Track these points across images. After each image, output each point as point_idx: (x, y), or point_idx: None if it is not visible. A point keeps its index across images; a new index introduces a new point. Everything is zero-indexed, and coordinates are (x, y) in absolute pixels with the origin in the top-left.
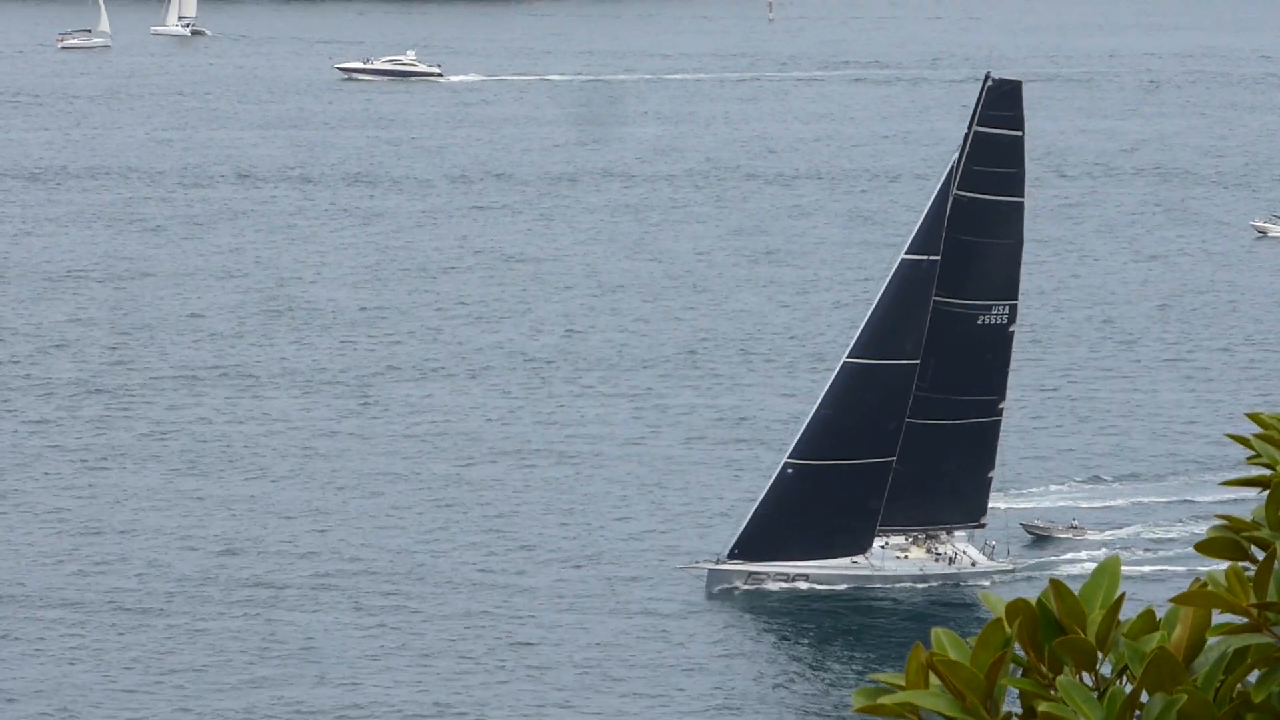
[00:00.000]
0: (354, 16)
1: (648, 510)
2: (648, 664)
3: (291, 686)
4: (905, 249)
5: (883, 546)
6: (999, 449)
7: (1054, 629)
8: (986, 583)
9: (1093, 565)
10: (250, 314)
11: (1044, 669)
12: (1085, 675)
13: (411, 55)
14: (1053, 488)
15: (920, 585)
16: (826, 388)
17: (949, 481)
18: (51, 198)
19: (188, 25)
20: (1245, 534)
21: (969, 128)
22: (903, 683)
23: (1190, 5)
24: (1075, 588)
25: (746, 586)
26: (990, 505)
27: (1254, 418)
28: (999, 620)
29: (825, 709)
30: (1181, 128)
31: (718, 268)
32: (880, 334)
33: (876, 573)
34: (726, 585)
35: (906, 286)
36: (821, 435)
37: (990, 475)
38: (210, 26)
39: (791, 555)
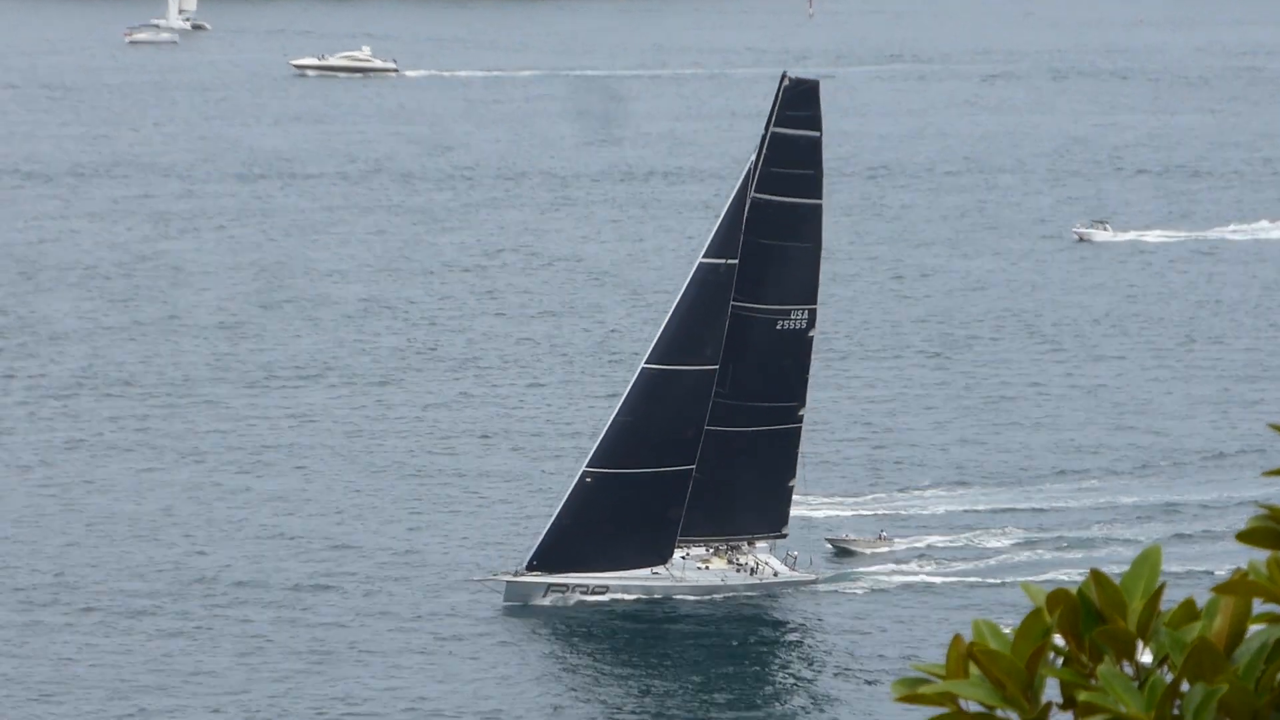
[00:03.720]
0: (373, 9)
1: (444, 521)
2: (442, 678)
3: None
4: (703, 252)
5: (684, 557)
6: (800, 457)
7: (1094, 618)
8: (789, 594)
9: (899, 576)
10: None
11: (1084, 658)
12: (1126, 665)
13: (367, 51)
14: (855, 498)
15: (722, 596)
16: (625, 394)
17: (750, 491)
18: (44, 193)
19: (188, 20)
20: None
21: (766, 129)
22: (942, 672)
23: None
24: (893, 602)
25: (546, 599)
26: (793, 515)
27: None
28: (1039, 610)
29: (621, 717)
30: (1006, 126)
31: (512, 270)
32: (678, 340)
33: (677, 584)
34: (525, 597)
35: (704, 291)
36: (620, 443)
37: (791, 484)
38: (209, 21)
39: (591, 566)
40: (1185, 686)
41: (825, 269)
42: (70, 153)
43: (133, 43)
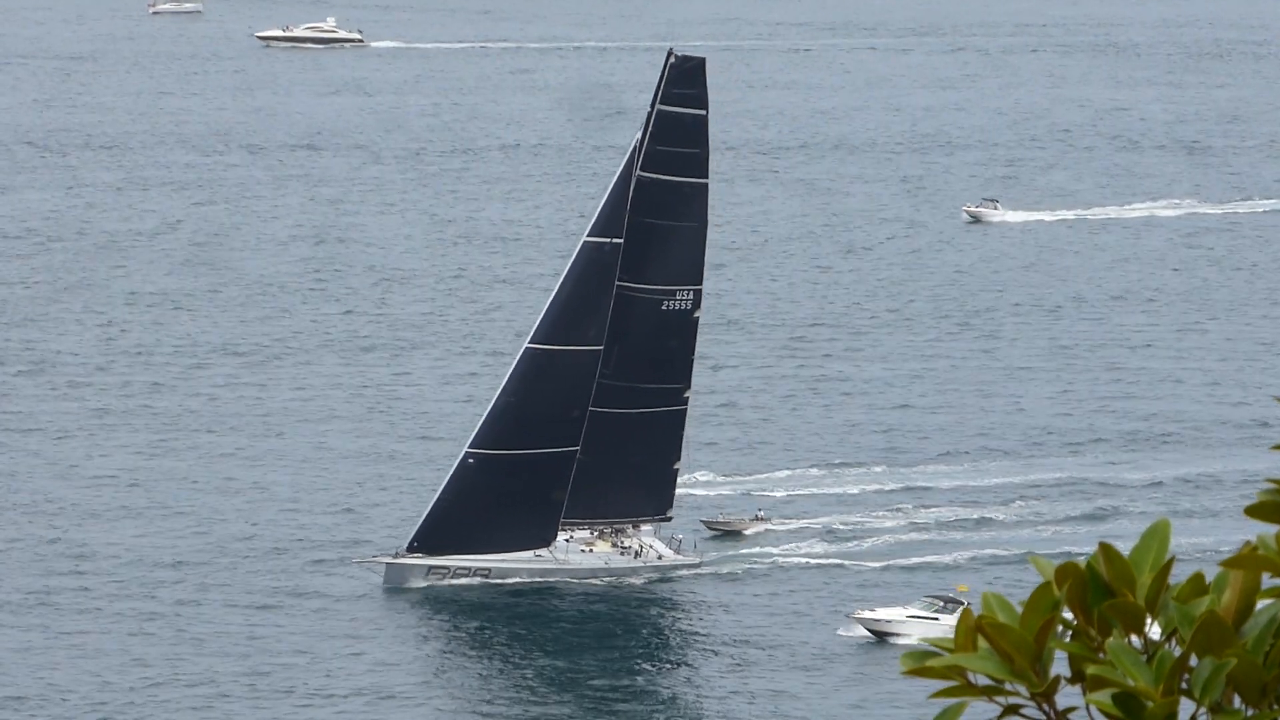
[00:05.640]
0: None
1: (323, 502)
2: (320, 660)
3: None
4: (587, 231)
5: (567, 540)
6: (685, 440)
7: (1103, 592)
8: (673, 577)
9: (784, 558)
10: None
11: (1093, 632)
12: (1134, 638)
13: (332, 22)
14: (737, 478)
15: (605, 579)
16: (508, 375)
17: (634, 473)
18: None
19: None
20: None
21: (651, 106)
22: (950, 646)
23: None
24: (776, 583)
25: (426, 581)
26: (677, 497)
27: None
28: (1048, 584)
29: (499, 703)
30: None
31: (392, 247)
32: (562, 320)
33: (560, 566)
34: (405, 580)
35: (589, 270)
36: (503, 424)
37: (676, 466)
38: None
39: (473, 548)
40: (1194, 660)
41: (711, 247)
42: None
43: (155, 13)
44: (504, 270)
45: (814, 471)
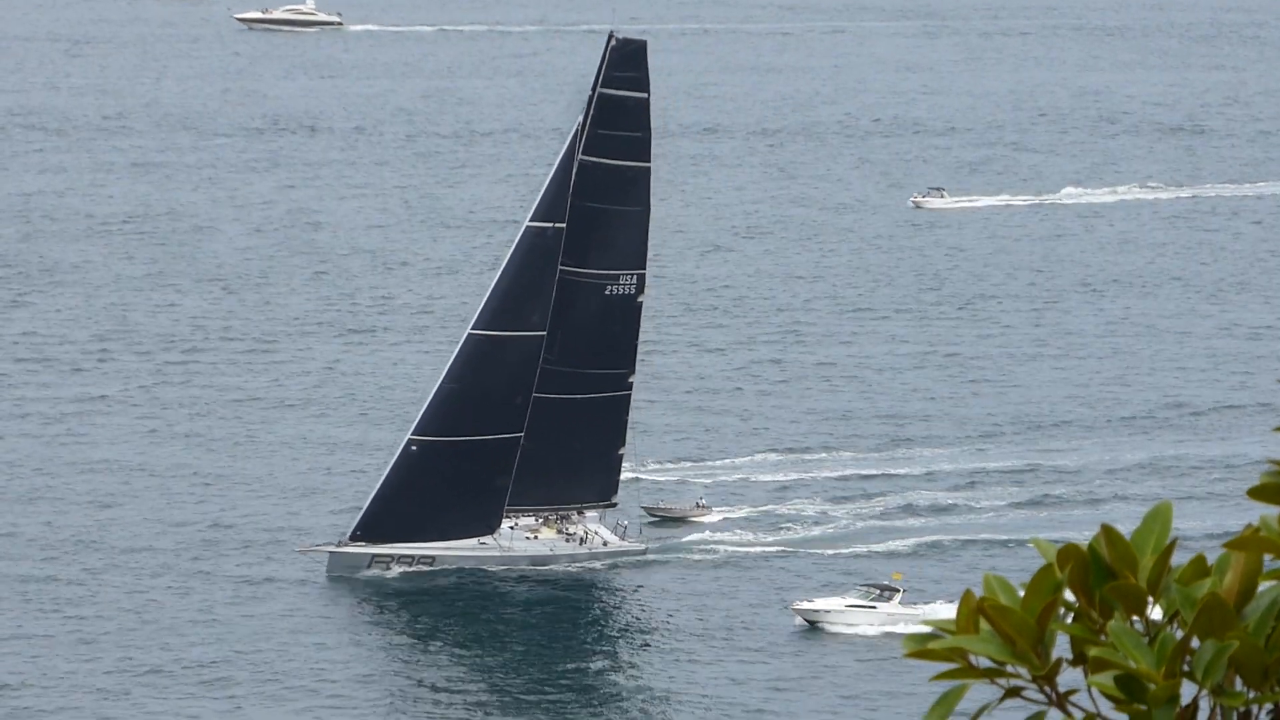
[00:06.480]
0: None
1: (266, 490)
2: (263, 650)
3: None
4: (530, 216)
5: (512, 527)
6: (629, 425)
7: (1105, 574)
8: (618, 563)
9: (728, 546)
10: None
11: (1095, 614)
12: (1136, 621)
13: (310, 4)
14: (683, 464)
15: (551, 566)
16: (451, 361)
17: (579, 459)
18: None
19: None
20: None
21: (593, 90)
22: (953, 628)
23: None
24: (721, 570)
25: (370, 570)
26: (622, 483)
27: None
28: (1050, 566)
29: (442, 690)
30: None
31: (335, 231)
32: (505, 305)
33: (505, 554)
34: (349, 568)
35: (531, 256)
36: (446, 411)
37: (621, 453)
38: None
39: (416, 536)
40: (1196, 643)
41: (660, 231)
42: None
43: None
44: (451, 255)
45: (759, 458)
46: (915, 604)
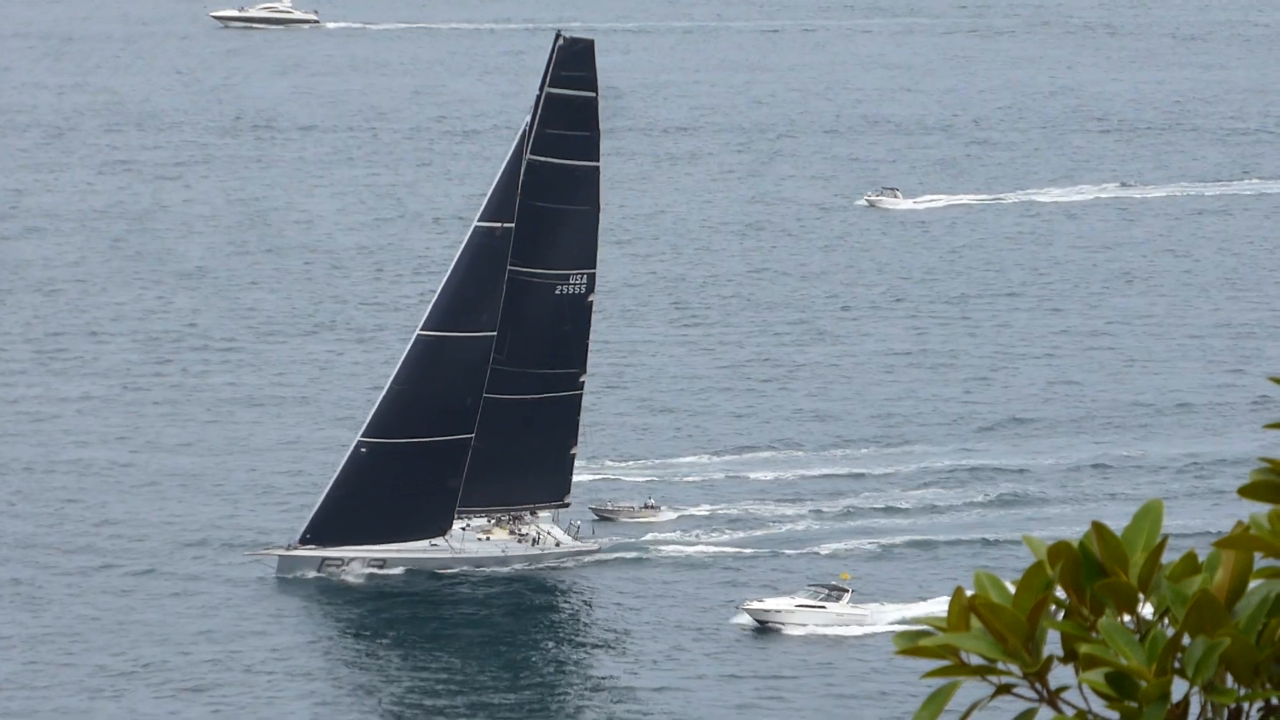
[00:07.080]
0: None
1: (214, 493)
2: (211, 655)
3: None
4: (478, 216)
5: (464, 528)
6: (581, 425)
7: (1096, 571)
8: (571, 564)
9: (681, 546)
10: None
11: (1085, 611)
12: (1127, 618)
13: (288, 2)
14: (635, 464)
15: (504, 568)
16: (400, 362)
17: (531, 459)
18: None
19: None
20: None
21: (540, 89)
22: (944, 625)
23: None
24: (674, 571)
25: (320, 573)
26: (575, 483)
27: None
28: (1041, 563)
29: (394, 693)
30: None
31: (303, 231)
32: (454, 306)
33: (457, 555)
34: (298, 572)
35: (480, 256)
36: (396, 412)
37: (573, 452)
38: None
39: (367, 539)
40: (1186, 640)
41: (612, 230)
42: None
43: None
44: (407, 254)
45: (711, 458)
46: (863, 604)
